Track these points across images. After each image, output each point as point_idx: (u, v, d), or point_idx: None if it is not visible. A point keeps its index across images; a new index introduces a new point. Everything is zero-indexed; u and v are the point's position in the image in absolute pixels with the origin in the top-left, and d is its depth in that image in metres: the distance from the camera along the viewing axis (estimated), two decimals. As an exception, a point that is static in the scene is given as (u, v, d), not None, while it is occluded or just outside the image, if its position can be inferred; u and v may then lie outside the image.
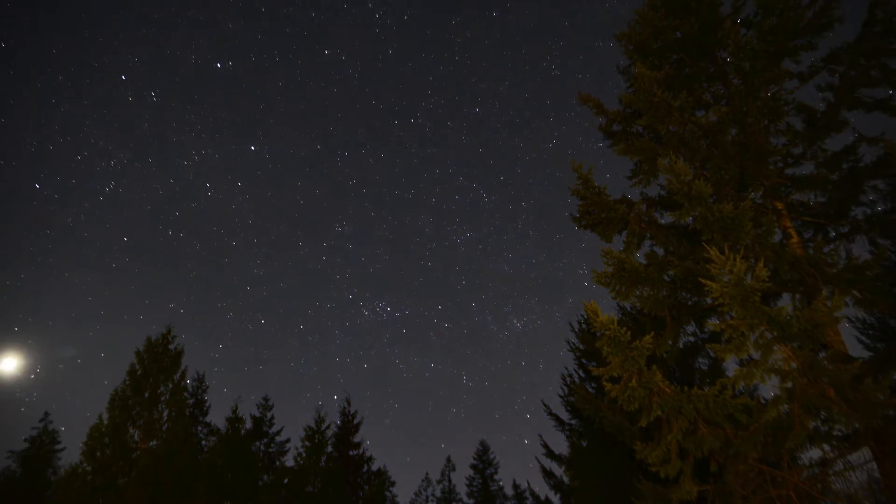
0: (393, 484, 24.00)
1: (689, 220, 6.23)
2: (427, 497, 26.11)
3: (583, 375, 14.44)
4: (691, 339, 8.52)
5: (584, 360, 14.61)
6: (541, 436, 15.41)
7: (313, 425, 20.69)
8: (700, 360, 10.80)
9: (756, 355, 5.20)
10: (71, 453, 23.55)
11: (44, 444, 22.37)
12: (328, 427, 21.14)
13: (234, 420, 19.45)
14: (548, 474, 14.99)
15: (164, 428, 15.46)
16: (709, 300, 6.62)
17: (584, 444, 13.29)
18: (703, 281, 5.23)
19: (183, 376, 16.76)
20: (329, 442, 20.80)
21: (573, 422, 14.49)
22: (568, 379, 15.06)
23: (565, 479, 14.60)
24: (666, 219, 7.62)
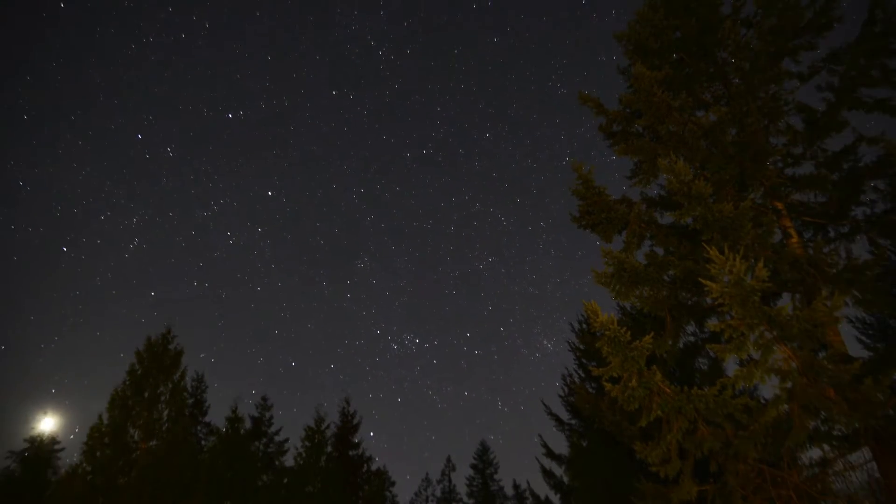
0: (393, 484, 24.00)
1: (689, 220, 6.22)
2: (427, 497, 26.11)
3: (583, 375, 14.44)
4: (691, 339, 8.52)
5: (584, 360, 14.61)
6: (541, 436, 15.43)
7: (313, 425, 20.69)
8: (700, 360, 10.80)
9: (756, 355, 5.20)
10: (71, 453, 23.57)
11: (44, 443, 22.36)
12: (328, 427, 21.13)
13: (234, 420, 19.44)
14: (548, 474, 14.99)
15: (164, 428, 15.46)
16: (709, 300, 6.62)
17: (584, 444, 13.30)
18: (702, 281, 5.22)
19: (183, 376, 16.75)
20: (329, 442, 20.79)
21: (573, 422, 14.50)
22: (568, 379, 15.07)
23: (565, 479, 14.61)
24: (666, 219, 7.62)
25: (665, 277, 6.93)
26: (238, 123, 59.73)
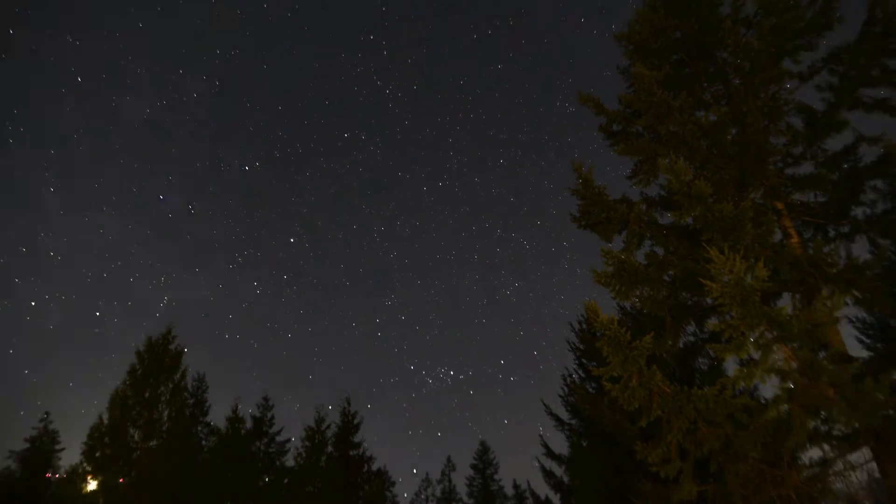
0: (393, 484, 24.02)
1: (689, 220, 6.22)
2: (427, 497, 26.11)
3: (583, 375, 14.44)
4: (691, 339, 8.52)
5: (584, 360, 14.61)
6: (541, 436, 15.43)
7: (313, 425, 20.68)
8: (700, 360, 10.80)
9: (756, 355, 5.20)
10: (71, 453, 23.59)
11: (44, 444, 22.36)
12: (328, 427, 21.13)
13: (234, 420, 19.45)
14: (548, 474, 14.99)
15: (164, 428, 15.46)
16: (709, 300, 6.62)
17: (584, 444, 13.29)
18: (703, 281, 5.22)
19: (183, 376, 16.77)
20: (329, 442, 20.78)
21: (573, 422, 14.49)
22: (568, 379, 15.07)
23: (565, 479, 14.61)
24: (666, 219, 7.62)
25: (665, 277, 6.93)
26: (255, 174, 61.16)
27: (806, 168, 7.32)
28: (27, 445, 22.11)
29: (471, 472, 26.38)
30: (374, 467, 21.98)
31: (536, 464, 14.86)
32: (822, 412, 5.16)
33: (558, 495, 14.95)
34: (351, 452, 21.81)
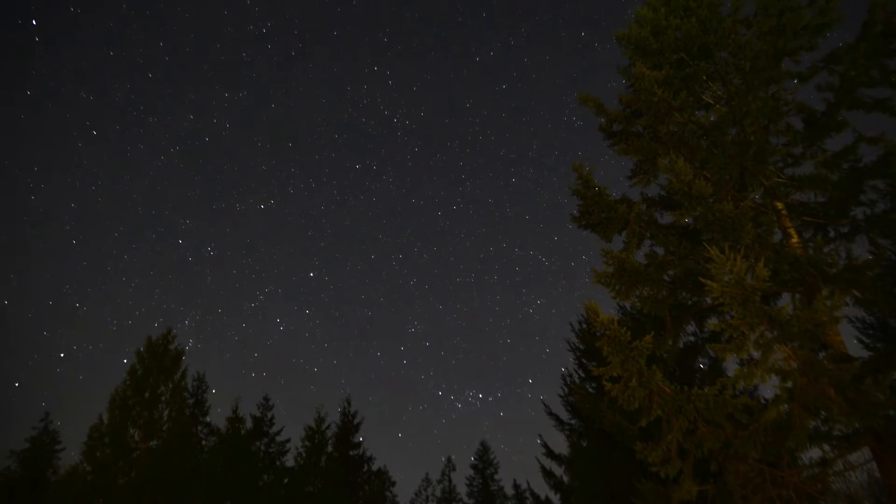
0: (393, 484, 24.01)
1: (689, 219, 6.23)
2: (427, 497, 26.11)
3: (583, 375, 14.43)
4: (691, 339, 8.52)
5: (584, 360, 14.61)
6: (541, 436, 15.42)
7: (313, 425, 20.68)
8: (700, 360, 10.81)
9: (756, 355, 5.20)
10: (71, 453, 23.60)
11: (44, 444, 22.36)
12: (328, 427, 21.13)
13: (235, 420, 19.46)
14: (548, 474, 14.98)
15: (164, 428, 15.46)
16: (709, 300, 6.63)
17: (584, 444, 13.29)
18: (703, 281, 5.23)
19: (183, 376, 16.77)
20: (329, 442, 20.78)
21: (573, 422, 14.49)
22: (568, 379, 15.07)
23: (565, 479, 14.60)
24: (666, 219, 7.62)
25: (665, 277, 6.93)
26: (271, 212, 62.30)
27: (806, 168, 7.32)
28: (27, 445, 22.14)
29: (471, 472, 26.39)
30: (375, 467, 22.01)
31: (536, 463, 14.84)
32: (822, 412, 5.17)
33: (558, 495, 14.94)
34: (351, 452, 21.83)
